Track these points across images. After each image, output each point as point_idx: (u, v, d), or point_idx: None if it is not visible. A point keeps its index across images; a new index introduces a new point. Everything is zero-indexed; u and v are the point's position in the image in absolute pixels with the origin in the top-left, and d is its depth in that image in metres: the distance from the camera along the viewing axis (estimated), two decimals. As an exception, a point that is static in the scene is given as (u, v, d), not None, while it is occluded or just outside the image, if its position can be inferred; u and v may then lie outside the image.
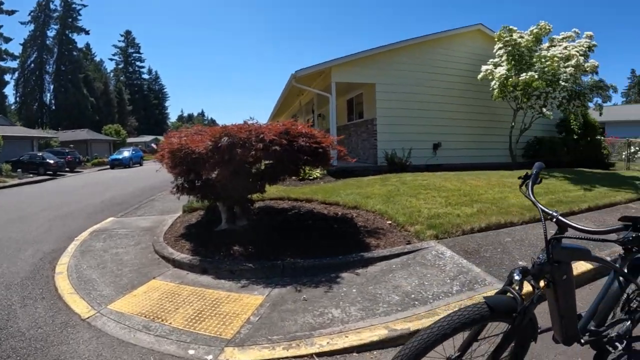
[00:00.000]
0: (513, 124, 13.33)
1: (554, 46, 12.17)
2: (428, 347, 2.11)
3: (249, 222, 5.93)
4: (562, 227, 2.38)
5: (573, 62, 11.36)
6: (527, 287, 2.31)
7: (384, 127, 12.83)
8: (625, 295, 3.03)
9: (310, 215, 6.47)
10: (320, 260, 4.65)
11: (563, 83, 11.25)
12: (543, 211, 2.44)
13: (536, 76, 11.00)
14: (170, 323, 3.39)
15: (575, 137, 15.42)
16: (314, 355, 3.00)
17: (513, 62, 11.92)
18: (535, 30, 12.44)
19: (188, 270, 4.71)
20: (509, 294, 2.32)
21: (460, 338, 2.27)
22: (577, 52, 11.55)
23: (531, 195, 2.58)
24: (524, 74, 11.25)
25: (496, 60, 12.65)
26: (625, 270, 2.94)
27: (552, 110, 12.15)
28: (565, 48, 11.71)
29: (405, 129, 13.06)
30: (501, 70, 11.97)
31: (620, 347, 2.92)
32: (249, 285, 4.21)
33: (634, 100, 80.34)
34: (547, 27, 12.42)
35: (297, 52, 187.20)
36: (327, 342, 3.08)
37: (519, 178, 2.85)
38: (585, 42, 11.94)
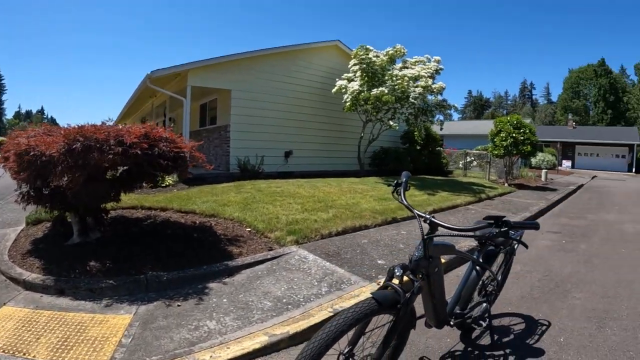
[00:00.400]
0: (362, 134, 14.35)
1: (407, 68, 13.39)
2: (329, 345, 2.24)
3: (103, 234, 5.34)
4: (434, 227, 2.67)
5: (422, 82, 12.72)
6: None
7: (238, 134, 12.70)
8: (481, 282, 3.50)
9: (167, 225, 6.10)
10: (185, 272, 4.43)
11: (412, 100, 12.57)
12: (418, 214, 2.72)
13: (386, 91, 12.02)
14: (34, 356, 2.89)
15: (419, 147, 17.16)
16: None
17: (366, 79, 12.78)
18: (390, 52, 13.62)
19: (42, 293, 4.05)
20: (389, 288, 2.52)
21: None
22: (426, 74, 12.95)
23: (404, 200, 2.91)
24: (376, 89, 12.19)
25: (350, 75, 13.43)
26: (481, 261, 3.39)
27: (398, 123, 13.35)
28: (416, 71, 12.97)
29: (259, 136, 13.11)
30: (354, 86, 12.74)
31: (484, 325, 3.37)
32: (113, 304, 3.80)
33: (469, 117, 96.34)
34: (402, 50, 13.71)
35: (148, 54, 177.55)
36: (210, 356, 2.97)
37: (390, 185, 3.18)
38: (434, 65, 13.47)
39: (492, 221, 2.62)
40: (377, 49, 13.65)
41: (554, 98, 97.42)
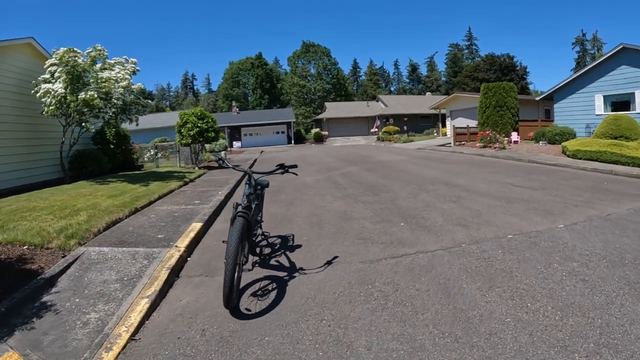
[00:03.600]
0: (63, 139, 12.61)
1: (106, 69, 12.43)
2: (237, 254, 3.53)
3: None
4: (251, 175, 4.44)
5: (124, 83, 12.33)
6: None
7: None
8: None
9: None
10: (12, 298, 3.92)
11: (115, 101, 12.11)
12: (243, 169, 4.67)
13: (96, 95, 11.17)
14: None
15: (112, 146, 15.93)
16: None
17: (70, 81, 11.34)
18: (92, 53, 12.32)
19: None
20: (241, 212, 3.82)
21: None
22: (128, 75, 12.58)
23: (230, 165, 4.74)
24: (83, 92, 11.12)
25: (47, 76, 11.54)
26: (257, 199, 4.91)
27: (95, 125, 12.58)
28: (119, 72, 12.34)
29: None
30: (59, 89, 11.11)
31: (262, 239, 5.37)
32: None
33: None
34: (104, 53, 12.59)
35: None
36: (125, 326, 3.45)
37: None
38: (132, 66, 13.05)
39: (279, 166, 4.44)
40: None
41: (215, 87, 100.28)
